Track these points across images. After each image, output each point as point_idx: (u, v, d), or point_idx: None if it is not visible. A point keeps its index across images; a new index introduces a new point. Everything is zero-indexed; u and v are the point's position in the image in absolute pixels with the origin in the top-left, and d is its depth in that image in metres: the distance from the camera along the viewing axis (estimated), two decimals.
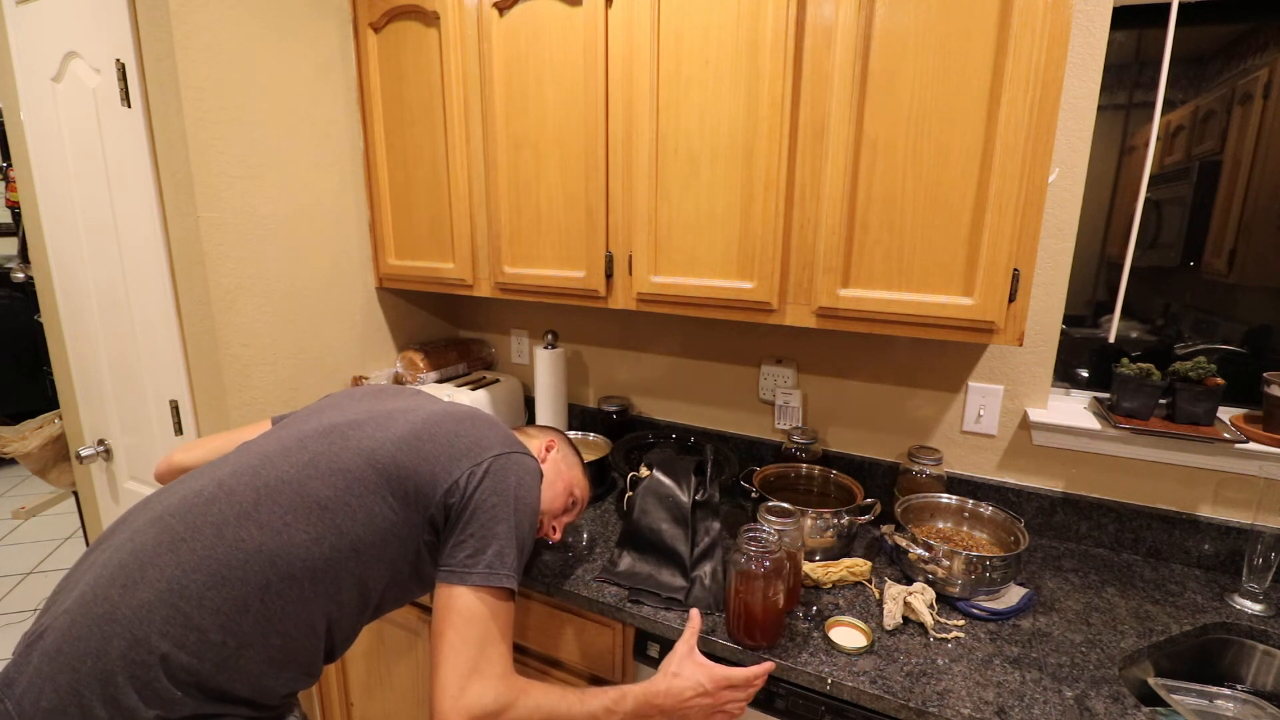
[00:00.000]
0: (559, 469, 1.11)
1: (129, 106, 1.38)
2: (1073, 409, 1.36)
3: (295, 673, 0.81)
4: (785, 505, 1.09)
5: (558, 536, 1.10)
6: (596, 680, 1.24)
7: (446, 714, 0.75)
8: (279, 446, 0.88)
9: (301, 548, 0.79)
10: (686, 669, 0.91)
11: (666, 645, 1.13)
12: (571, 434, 1.67)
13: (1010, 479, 1.41)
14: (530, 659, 1.31)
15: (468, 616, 0.79)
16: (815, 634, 1.07)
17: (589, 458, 1.51)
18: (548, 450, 1.12)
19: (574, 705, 0.84)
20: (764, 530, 1.01)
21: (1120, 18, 1.19)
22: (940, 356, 1.42)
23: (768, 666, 0.94)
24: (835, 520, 1.25)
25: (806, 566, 1.19)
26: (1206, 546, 1.27)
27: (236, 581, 0.75)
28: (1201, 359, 1.22)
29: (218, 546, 0.76)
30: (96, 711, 0.69)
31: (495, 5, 1.39)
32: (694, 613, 1.00)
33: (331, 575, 0.81)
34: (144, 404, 1.61)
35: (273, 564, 0.77)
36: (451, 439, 0.90)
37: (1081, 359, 1.43)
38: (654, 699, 0.88)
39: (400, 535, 0.85)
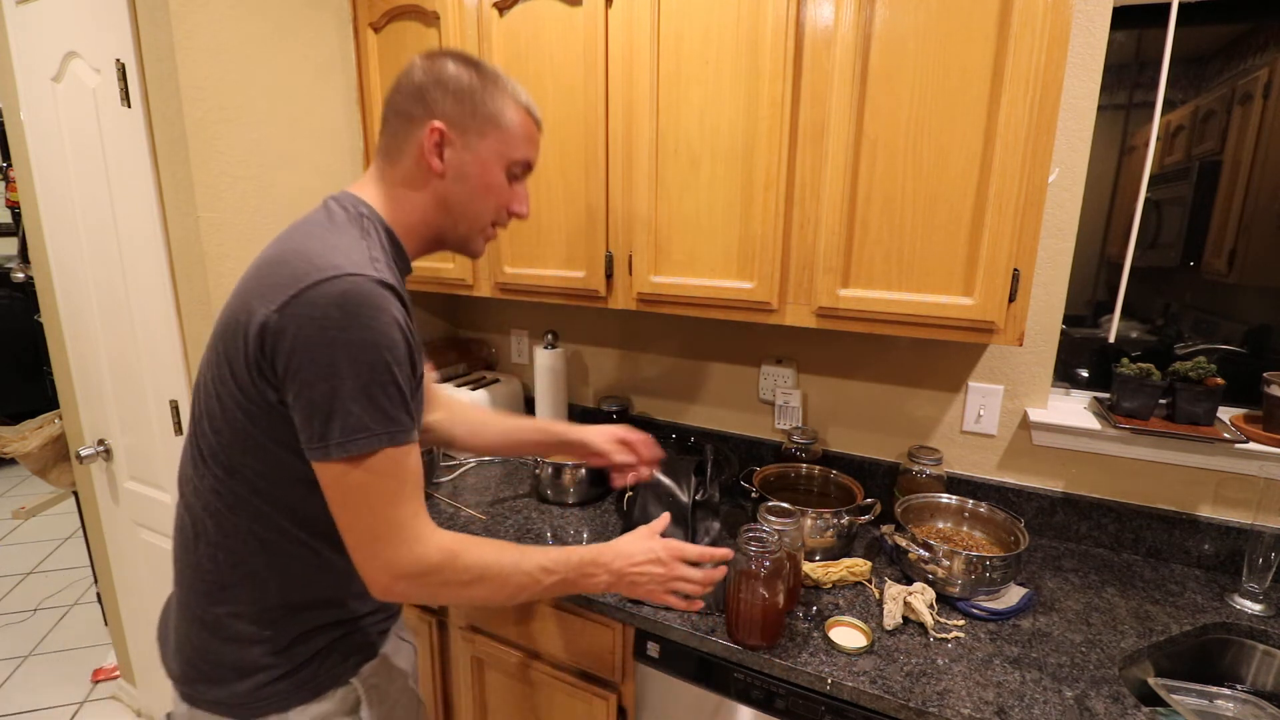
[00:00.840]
0: (468, 159, 0.82)
1: (129, 106, 1.38)
2: (1073, 409, 1.36)
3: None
4: (785, 505, 1.09)
5: (526, 210, 0.90)
6: (596, 680, 1.24)
7: (371, 574, 0.73)
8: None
9: (242, 540, 0.78)
10: (642, 537, 0.91)
11: (667, 645, 1.13)
12: None
13: (1010, 479, 1.41)
14: (530, 658, 1.31)
15: (346, 489, 0.71)
16: (815, 634, 1.07)
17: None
18: (437, 148, 0.80)
19: (508, 564, 0.79)
20: (764, 530, 1.01)
21: (1120, 18, 1.19)
22: (940, 356, 1.42)
23: (725, 553, 0.93)
24: (835, 520, 1.25)
25: (806, 566, 1.19)
26: (1206, 546, 1.27)
27: (230, 568, 0.79)
28: (1201, 359, 1.22)
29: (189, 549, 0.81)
30: (223, 675, 0.79)
31: (495, 5, 1.39)
32: (665, 514, 0.98)
33: (279, 527, 0.78)
34: (144, 404, 1.61)
35: (237, 564, 0.79)
36: (235, 312, 0.72)
37: (1081, 359, 1.43)
38: (601, 557, 0.86)
39: (276, 437, 0.73)
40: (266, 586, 0.79)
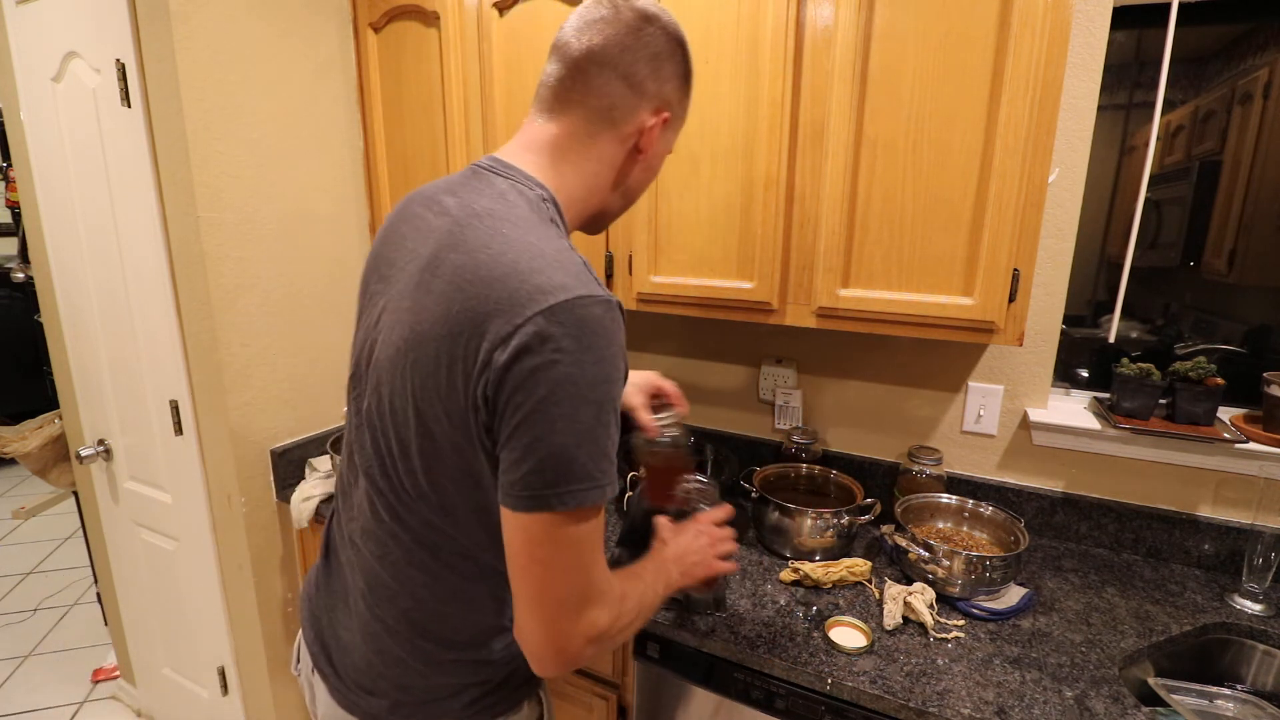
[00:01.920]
0: (662, 150, 0.78)
1: (129, 107, 1.38)
2: (1073, 409, 1.36)
3: None
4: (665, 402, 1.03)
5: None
6: (596, 680, 1.24)
7: (561, 641, 0.64)
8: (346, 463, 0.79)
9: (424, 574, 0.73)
10: (671, 529, 0.90)
11: (666, 645, 1.13)
12: None
13: (1010, 479, 1.41)
14: None
15: (553, 545, 0.62)
16: (815, 634, 1.07)
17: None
18: (653, 133, 0.73)
19: (639, 592, 0.76)
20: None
21: (1120, 18, 1.19)
22: (940, 356, 1.42)
23: (729, 509, 0.95)
24: (835, 520, 1.25)
25: (806, 567, 1.19)
26: (1206, 546, 1.27)
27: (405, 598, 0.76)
28: (1201, 359, 1.22)
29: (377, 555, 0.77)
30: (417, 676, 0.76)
31: (495, 5, 1.39)
32: (663, 518, 0.95)
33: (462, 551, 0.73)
34: (144, 404, 1.61)
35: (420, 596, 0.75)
36: (438, 338, 0.63)
37: (1081, 359, 1.43)
38: (666, 555, 0.85)
39: (482, 469, 0.66)
40: (483, 611, 0.75)
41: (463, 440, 0.64)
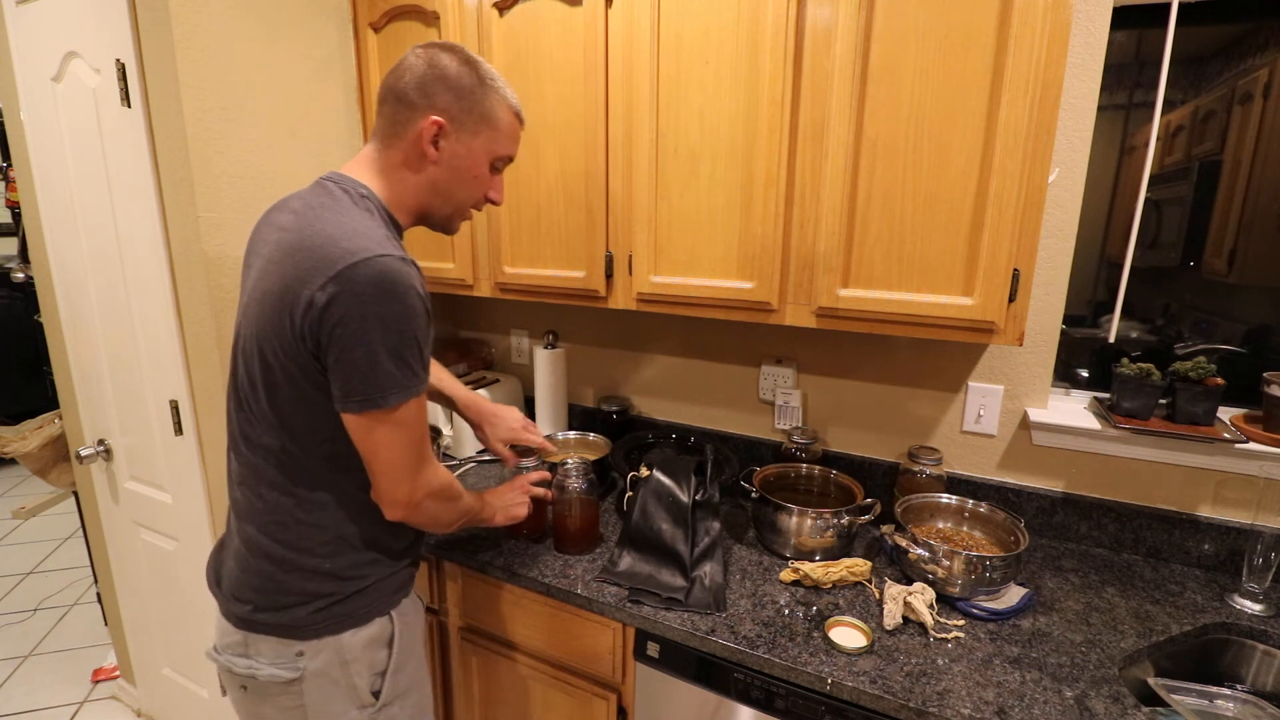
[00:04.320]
0: (461, 151, 0.92)
1: (129, 106, 1.38)
2: (1073, 409, 1.36)
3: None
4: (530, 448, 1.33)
5: (500, 199, 1.01)
6: (596, 680, 1.24)
7: (403, 495, 0.88)
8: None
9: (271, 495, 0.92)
10: (499, 486, 1.24)
11: (667, 645, 1.13)
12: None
13: (1010, 479, 1.41)
14: (530, 658, 1.31)
15: (384, 433, 0.84)
16: (815, 634, 1.07)
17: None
18: (434, 139, 0.90)
19: (472, 496, 1.07)
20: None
21: (1120, 18, 1.19)
22: (940, 356, 1.42)
23: (545, 475, 1.28)
24: (835, 520, 1.25)
25: (806, 567, 1.19)
26: (1206, 546, 1.27)
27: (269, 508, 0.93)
28: (1201, 359, 1.22)
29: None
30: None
31: (495, 5, 1.39)
32: (542, 472, 1.29)
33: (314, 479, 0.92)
34: (144, 404, 1.61)
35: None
36: (276, 291, 0.82)
37: (1081, 359, 1.43)
38: (488, 496, 1.17)
39: (320, 388, 0.85)
40: (325, 525, 0.91)
41: (294, 368, 0.83)
